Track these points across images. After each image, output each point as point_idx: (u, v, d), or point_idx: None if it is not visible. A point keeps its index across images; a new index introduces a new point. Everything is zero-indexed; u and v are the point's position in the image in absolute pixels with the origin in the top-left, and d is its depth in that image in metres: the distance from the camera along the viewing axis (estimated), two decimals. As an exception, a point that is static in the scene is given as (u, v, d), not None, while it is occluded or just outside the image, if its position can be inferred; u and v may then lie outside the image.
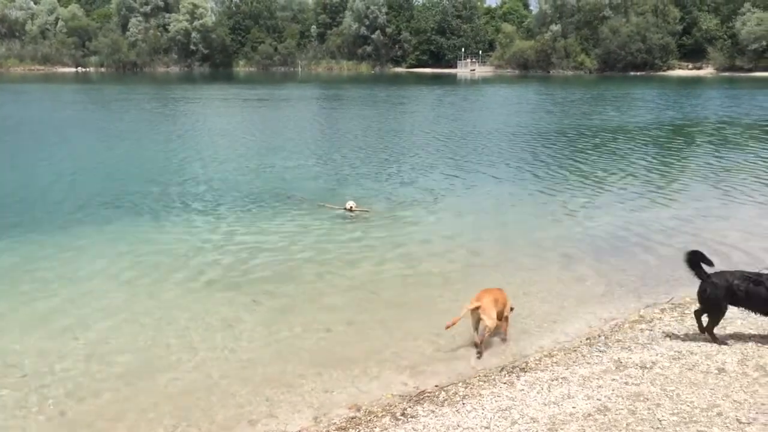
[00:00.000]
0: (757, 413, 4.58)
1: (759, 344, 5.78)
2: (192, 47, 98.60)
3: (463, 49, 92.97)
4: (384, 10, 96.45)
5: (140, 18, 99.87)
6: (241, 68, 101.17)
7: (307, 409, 5.24)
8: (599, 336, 6.32)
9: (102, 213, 11.52)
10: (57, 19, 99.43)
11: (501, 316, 6.33)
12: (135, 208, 11.88)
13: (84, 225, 10.77)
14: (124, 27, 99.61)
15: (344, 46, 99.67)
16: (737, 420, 4.49)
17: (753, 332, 6.07)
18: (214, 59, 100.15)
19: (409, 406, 5.02)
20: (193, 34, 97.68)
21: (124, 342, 6.45)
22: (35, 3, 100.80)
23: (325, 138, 22.56)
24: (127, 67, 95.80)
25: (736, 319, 6.45)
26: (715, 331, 5.93)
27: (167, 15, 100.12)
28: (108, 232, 10.39)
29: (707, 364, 5.41)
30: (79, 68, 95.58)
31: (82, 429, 5.03)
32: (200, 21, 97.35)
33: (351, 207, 11.06)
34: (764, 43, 74.74)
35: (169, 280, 8.19)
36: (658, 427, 4.43)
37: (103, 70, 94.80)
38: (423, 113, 32.55)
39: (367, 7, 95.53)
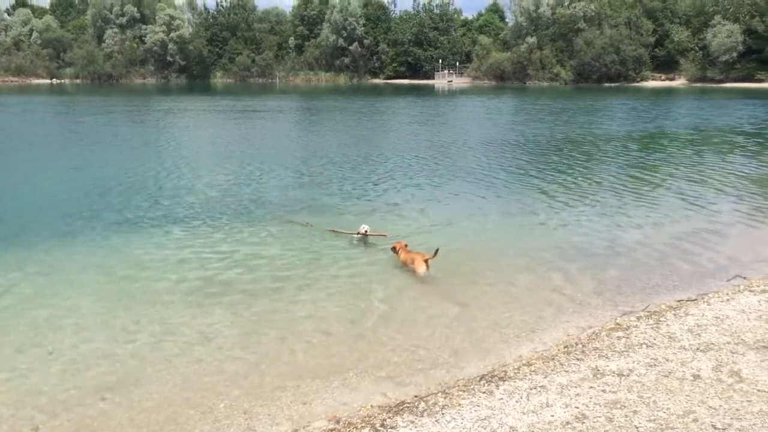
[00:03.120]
0: (732, 419, 4.64)
1: (733, 351, 5.86)
2: (169, 59, 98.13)
3: (440, 61, 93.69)
4: (362, 21, 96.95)
5: (116, 29, 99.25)
6: (219, 80, 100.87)
7: (286, 422, 5.20)
8: (577, 344, 6.37)
9: (77, 226, 11.37)
10: (31, 30, 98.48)
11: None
12: (111, 220, 11.73)
13: (58, 238, 10.61)
14: (100, 38, 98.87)
15: (322, 58, 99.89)
16: (713, 426, 4.55)
17: (727, 339, 6.15)
18: (191, 71, 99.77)
19: (389, 417, 5.00)
20: (170, 46, 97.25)
21: (99, 356, 6.35)
22: (9, 14, 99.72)
23: (314, 151, 22.21)
24: (102, 78, 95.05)
25: (710, 325, 6.54)
26: (688, 337, 6.00)
27: (143, 26, 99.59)
28: (83, 245, 10.25)
29: (683, 371, 5.47)
30: (54, 80, 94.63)
31: (55, 445, 4.94)
32: (177, 32, 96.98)
33: (366, 231, 10.00)
34: (734, 54, 76.33)
35: (145, 293, 8.10)
36: (635, 434, 4.47)
37: (78, 81, 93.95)
38: (407, 124, 32.51)
39: (345, 19, 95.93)
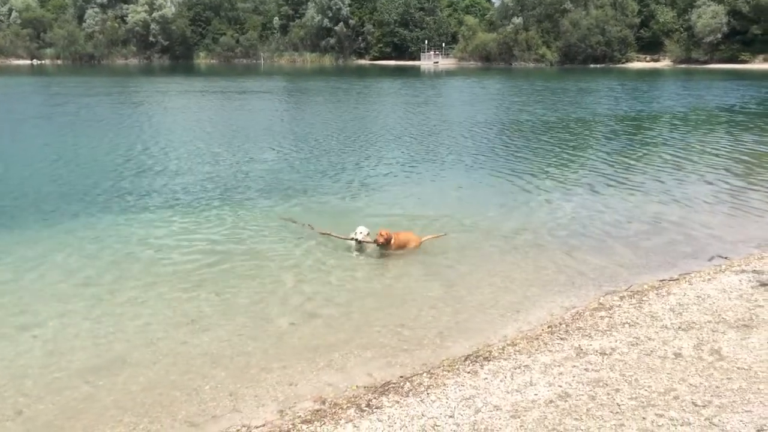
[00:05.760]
0: (712, 396, 4.71)
1: (713, 329, 5.94)
2: (151, 39, 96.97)
3: (426, 42, 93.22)
4: (347, 2, 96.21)
5: (97, 9, 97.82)
6: (202, 60, 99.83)
7: (272, 403, 5.22)
8: (560, 324, 6.43)
9: (61, 209, 11.26)
10: (10, 10, 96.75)
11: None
12: (94, 203, 11.64)
13: (40, 220, 10.51)
14: (81, 18, 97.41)
15: (307, 38, 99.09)
16: (693, 403, 4.62)
17: (708, 318, 6.23)
18: (174, 51, 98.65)
19: (374, 397, 5.04)
20: (152, 26, 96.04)
21: (83, 339, 6.33)
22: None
23: (311, 134, 21.71)
24: (84, 59, 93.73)
25: (691, 305, 6.62)
26: (669, 316, 6.08)
27: (125, 6, 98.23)
28: (67, 228, 10.16)
29: (664, 350, 5.54)
30: (35, 60, 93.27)
31: (40, 428, 4.92)
32: (159, 12, 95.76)
33: (355, 237, 8.67)
34: (719, 35, 76.55)
35: (129, 275, 8.06)
36: (617, 412, 4.53)
37: (59, 62, 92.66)
38: (402, 106, 32.27)
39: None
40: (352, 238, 8.74)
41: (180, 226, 10.24)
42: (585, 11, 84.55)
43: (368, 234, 8.68)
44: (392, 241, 8.63)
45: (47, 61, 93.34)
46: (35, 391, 5.40)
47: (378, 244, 8.56)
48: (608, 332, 6.03)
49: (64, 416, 5.06)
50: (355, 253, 8.81)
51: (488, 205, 11.65)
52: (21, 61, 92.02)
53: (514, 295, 7.49)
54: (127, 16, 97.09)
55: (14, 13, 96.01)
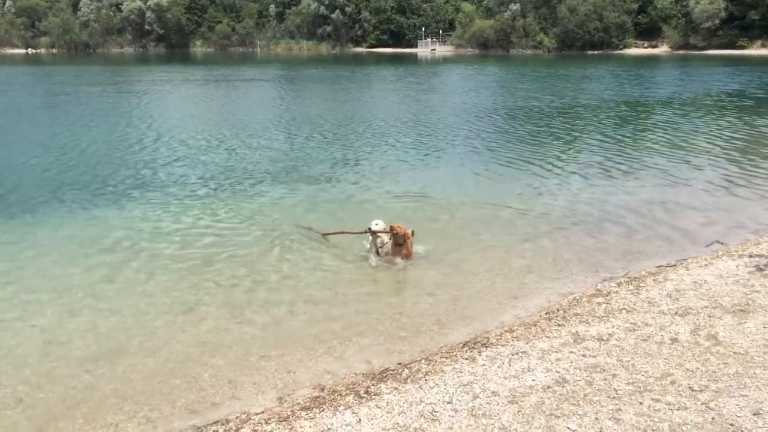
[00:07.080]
0: (708, 380, 4.74)
1: (710, 315, 5.96)
2: (147, 27, 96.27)
3: (423, 29, 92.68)
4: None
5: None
6: (198, 48, 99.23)
7: (271, 390, 5.24)
8: (558, 310, 6.45)
9: (56, 196, 11.25)
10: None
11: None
12: (92, 191, 11.63)
13: (37, 209, 10.50)
14: (76, 6, 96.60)
15: (303, 26, 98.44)
16: (690, 388, 4.64)
17: (705, 303, 6.26)
18: (169, 39, 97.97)
19: (373, 384, 5.06)
20: (148, 14, 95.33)
21: (82, 327, 6.34)
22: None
23: (312, 124, 21.47)
24: (79, 48, 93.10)
25: (688, 290, 6.65)
26: (666, 302, 6.10)
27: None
28: (64, 217, 10.16)
29: (661, 335, 5.57)
30: (30, 50, 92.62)
31: (40, 416, 4.94)
32: (154, 0, 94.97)
33: (370, 229, 8.12)
34: (717, 21, 76.22)
35: (127, 264, 8.06)
36: (614, 397, 4.56)
37: (54, 51, 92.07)
38: (399, 94, 32.13)
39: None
40: (366, 231, 8.20)
41: (180, 215, 10.23)
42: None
43: (384, 228, 8.10)
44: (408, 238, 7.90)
45: (42, 50, 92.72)
46: (35, 380, 5.42)
47: (393, 234, 7.93)
48: (605, 318, 6.05)
49: (64, 405, 5.08)
50: (373, 258, 8.14)
51: (486, 192, 11.66)
52: (16, 50, 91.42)
53: (512, 282, 7.51)
54: (122, 5, 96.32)
55: (8, 2, 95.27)
